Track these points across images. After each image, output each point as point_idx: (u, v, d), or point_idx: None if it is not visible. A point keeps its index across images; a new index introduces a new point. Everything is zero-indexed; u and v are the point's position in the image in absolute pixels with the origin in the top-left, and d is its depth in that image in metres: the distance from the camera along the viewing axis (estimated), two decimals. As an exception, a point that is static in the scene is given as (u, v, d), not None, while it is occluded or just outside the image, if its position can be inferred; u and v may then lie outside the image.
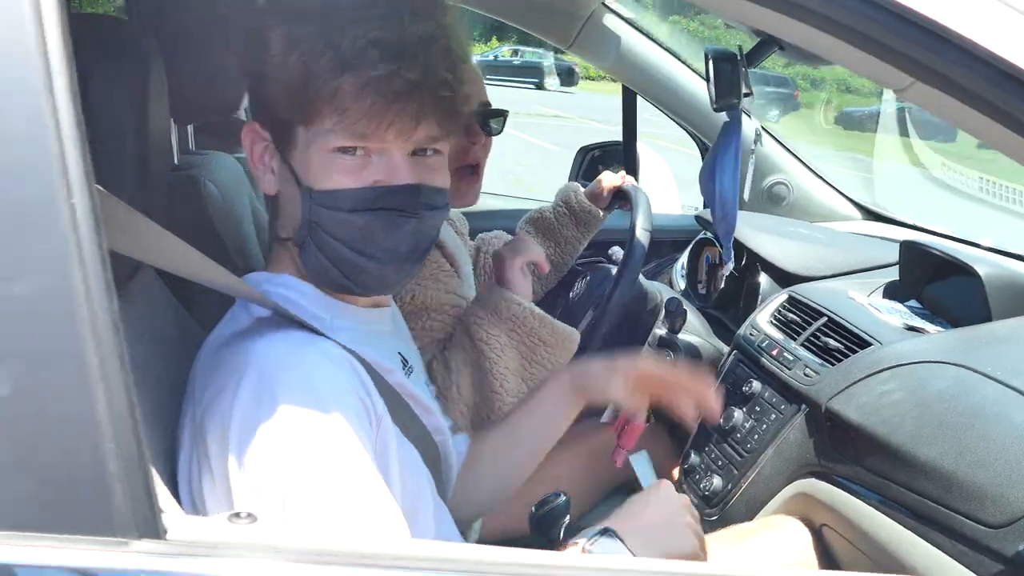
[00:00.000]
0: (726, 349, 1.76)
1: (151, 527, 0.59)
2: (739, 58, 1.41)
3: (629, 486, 1.80)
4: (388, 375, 0.98)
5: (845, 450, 1.33)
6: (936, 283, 1.59)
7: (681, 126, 2.09)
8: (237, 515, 0.65)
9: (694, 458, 1.62)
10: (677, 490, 1.65)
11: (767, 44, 1.39)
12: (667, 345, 1.74)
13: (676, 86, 2.00)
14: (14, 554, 0.57)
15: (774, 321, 1.65)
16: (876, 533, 1.25)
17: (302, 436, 0.81)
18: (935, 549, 1.15)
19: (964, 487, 1.12)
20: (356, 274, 0.94)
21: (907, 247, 1.63)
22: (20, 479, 0.57)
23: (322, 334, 0.89)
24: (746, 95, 1.43)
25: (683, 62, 2.01)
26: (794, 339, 1.56)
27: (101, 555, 0.58)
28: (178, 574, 0.59)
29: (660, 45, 1.98)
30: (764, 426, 1.49)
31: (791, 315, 1.62)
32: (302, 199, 0.91)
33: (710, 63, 1.46)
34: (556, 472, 1.66)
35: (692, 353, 1.77)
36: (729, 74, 1.41)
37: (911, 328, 1.46)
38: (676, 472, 1.78)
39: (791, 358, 1.51)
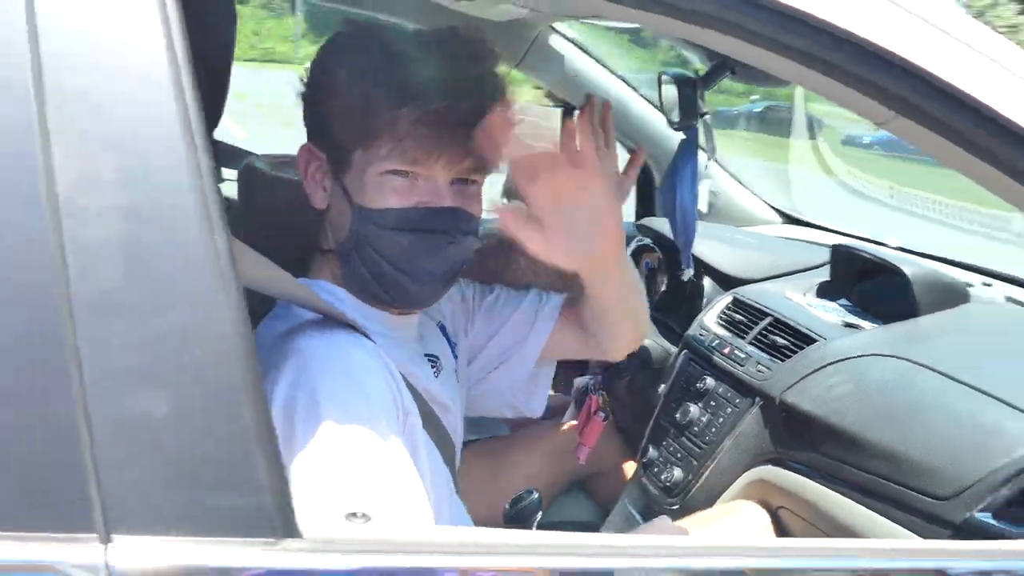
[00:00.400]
0: (673, 349, 1.90)
1: (292, 527, 0.66)
2: (696, 81, 1.55)
3: (587, 481, 1.92)
4: (416, 380, 1.07)
5: (800, 438, 1.48)
6: (864, 283, 1.77)
7: (620, 141, 2.22)
8: (353, 515, 0.73)
9: (652, 452, 1.75)
10: (636, 483, 1.78)
11: (720, 69, 1.54)
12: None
13: (618, 104, 2.14)
14: (180, 556, 0.64)
15: (721, 322, 1.80)
16: (832, 511, 1.41)
17: (345, 419, 0.88)
18: (889, 521, 1.30)
19: (913, 465, 1.28)
20: (393, 288, 1.03)
21: (837, 250, 1.81)
22: (183, 489, 0.64)
23: (365, 334, 0.98)
24: (703, 115, 1.57)
25: (626, 83, 2.15)
26: (742, 338, 1.71)
27: (254, 555, 0.65)
28: (318, 570, 0.67)
29: (604, 66, 2.11)
30: (720, 419, 1.63)
31: (737, 316, 1.77)
32: (352, 216, 1.00)
33: (667, 86, 1.59)
34: (525, 471, 1.77)
35: (642, 354, 1.91)
36: (685, 96, 1.55)
37: (848, 325, 1.63)
38: (627, 467, 1.92)
39: (742, 355, 1.66)
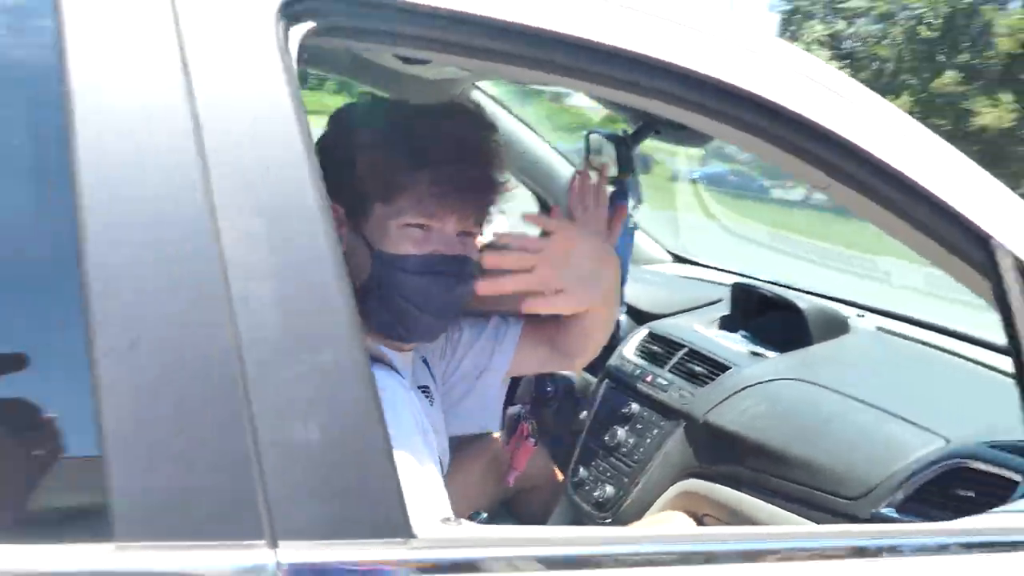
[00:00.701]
0: (593, 380, 2.11)
1: (410, 530, 0.81)
2: (626, 139, 1.77)
3: (513, 501, 2.09)
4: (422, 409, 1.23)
5: (722, 453, 1.71)
6: (760, 316, 2.03)
7: (535, 192, 2.41)
8: (447, 519, 0.88)
9: (583, 472, 1.95)
10: (567, 501, 1.96)
11: (646, 128, 1.76)
12: (546, 376, 2.06)
13: (534, 157, 2.34)
14: (332, 555, 0.77)
15: (639, 353, 2.02)
16: (753, 515, 1.63)
17: (405, 445, 1.03)
18: (805, 520, 1.54)
19: (825, 472, 1.52)
20: (412, 323, 1.19)
21: (736, 287, 2.07)
22: (333, 501, 0.78)
23: (396, 370, 1.13)
24: (632, 172, 1.79)
25: (542, 138, 2.36)
26: (661, 367, 1.93)
27: (387, 552, 0.79)
28: (437, 560, 0.81)
29: (521, 121, 2.31)
30: (648, 440, 1.84)
31: (654, 347, 1.99)
32: (373, 261, 1.15)
33: (599, 143, 1.80)
34: (461, 492, 1.92)
35: (567, 384, 2.10)
36: (620, 153, 1.77)
37: (754, 353, 1.88)
38: (551, 487, 2.10)
39: (664, 382, 1.88)
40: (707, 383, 1.81)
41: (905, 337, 1.94)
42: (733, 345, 1.92)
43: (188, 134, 0.77)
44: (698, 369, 1.85)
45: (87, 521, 0.74)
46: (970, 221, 1.08)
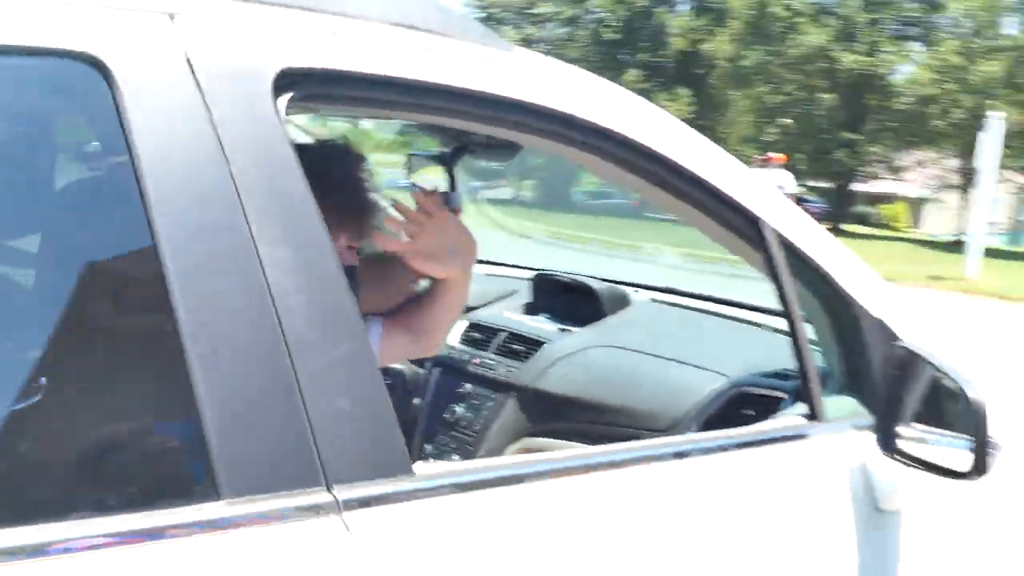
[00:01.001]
0: (421, 370, 2.40)
1: (408, 467, 1.08)
2: (443, 158, 2.08)
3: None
4: None
5: (552, 413, 2.07)
6: (558, 299, 2.42)
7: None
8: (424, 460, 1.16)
9: (428, 448, 2.24)
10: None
11: (461, 149, 2.08)
12: (385, 372, 2.33)
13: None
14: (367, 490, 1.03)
15: (464, 341, 2.34)
16: (583, 459, 2.00)
17: None
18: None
19: (640, 414, 1.93)
20: None
21: (538, 277, 2.45)
22: (362, 451, 1.04)
23: None
24: (453, 187, 2.11)
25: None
26: (485, 350, 2.27)
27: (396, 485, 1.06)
28: (437, 486, 1.09)
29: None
30: (484, 412, 2.17)
31: (475, 334, 2.33)
32: None
33: (420, 162, 2.10)
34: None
35: (399, 376, 2.38)
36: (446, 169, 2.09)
37: (562, 329, 2.26)
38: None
39: (491, 362, 2.22)
40: (528, 358, 2.17)
41: (673, 304, 2.40)
42: (543, 325, 2.29)
43: (229, 182, 0.99)
44: (518, 348, 2.21)
45: (201, 485, 0.94)
46: (743, 206, 1.49)
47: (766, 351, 1.95)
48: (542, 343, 2.18)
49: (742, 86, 34.83)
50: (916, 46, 34.76)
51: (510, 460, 1.23)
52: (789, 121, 32.74)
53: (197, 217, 0.97)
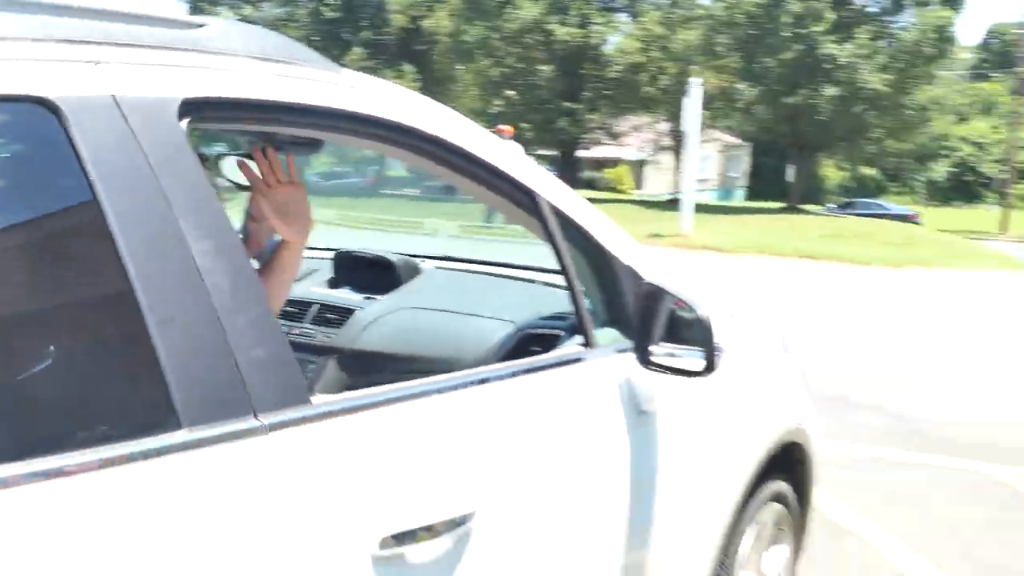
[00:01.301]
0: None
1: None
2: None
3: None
4: None
5: (372, 370, 2.43)
6: (357, 272, 2.77)
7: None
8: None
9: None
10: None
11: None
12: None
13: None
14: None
15: (279, 316, 2.64)
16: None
17: None
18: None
19: (449, 360, 2.33)
20: None
21: (339, 255, 2.78)
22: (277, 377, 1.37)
23: None
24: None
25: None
26: (300, 322, 2.59)
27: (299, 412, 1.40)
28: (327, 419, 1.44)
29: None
30: (309, 375, 2.50)
31: (288, 308, 2.63)
32: None
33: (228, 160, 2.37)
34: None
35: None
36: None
37: (368, 297, 2.62)
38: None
39: (309, 331, 2.54)
40: (342, 325, 2.51)
41: (458, 270, 2.83)
42: (349, 296, 2.65)
43: (159, 190, 1.29)
44: (331, 316, 2.55)
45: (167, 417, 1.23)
46: (522, 183, 1.92)
47: (544, 301, 2.42)
48: (352, 311, 2.54)
49: (465, 60, 35.91)
50: (623, 17, 37.17)
51: (377, 390, 1.57)
52: (512, 93, 34.16)
53: (143, 216, 1.26)
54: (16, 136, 1.28)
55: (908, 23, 33.25)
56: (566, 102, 34.17)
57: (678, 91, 22.26)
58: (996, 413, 6.21)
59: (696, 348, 1.92)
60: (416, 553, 1.43)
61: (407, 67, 35.86)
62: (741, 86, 33.54)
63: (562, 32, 33.06)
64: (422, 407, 1.58)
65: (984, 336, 9.93)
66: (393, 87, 1.76)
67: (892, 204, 42.72)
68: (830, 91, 31.37)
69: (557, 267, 1.97)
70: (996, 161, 52.44)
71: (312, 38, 34.23)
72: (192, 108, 1.38)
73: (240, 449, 1.28)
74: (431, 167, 1.89)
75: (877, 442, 5.43)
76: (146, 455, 1.18)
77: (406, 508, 1.43)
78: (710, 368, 1.91)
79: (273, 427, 1.32)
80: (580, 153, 37.25)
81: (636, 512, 1.97)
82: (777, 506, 2.67)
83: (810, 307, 10.63)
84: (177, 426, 1.22)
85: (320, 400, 1.46)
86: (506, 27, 33.34)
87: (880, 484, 4.66)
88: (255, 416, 1.30)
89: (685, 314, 1.94)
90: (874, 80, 31.15)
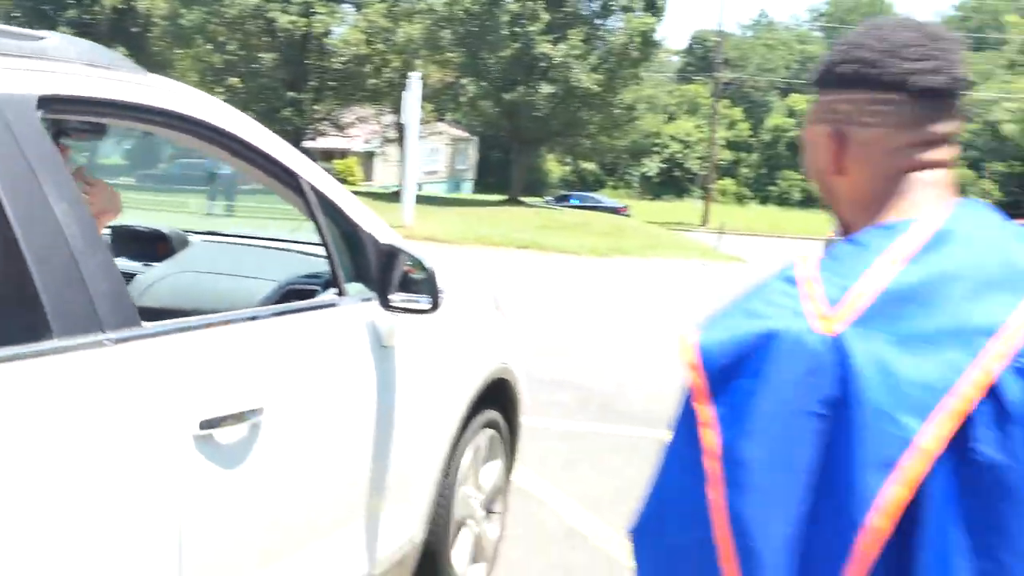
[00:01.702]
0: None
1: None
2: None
3: None
4: None
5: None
6: (129, 245, 3.20)
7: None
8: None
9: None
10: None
11: (59, 134, 2.76)
12: None
13: None
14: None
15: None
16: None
17: None
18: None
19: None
20: None
21: (116, 229, 3.19)
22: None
23: None
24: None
25: None
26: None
27: (136, 332, 1.92)
28: (157, 336, 1.97)
29: None
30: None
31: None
32: None
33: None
34: None
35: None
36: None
37: (146, 264, 3.06)
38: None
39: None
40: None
41: (225, 242, 3.33)
42: (128, 263, 3.07)
43: (29, 168, 1.75)
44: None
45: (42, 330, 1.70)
46: (284, 164, 2.49)
47: (300, 265, 2.99)
48: (133, 275, 2.97)
49: (183, 45, 34.77)
50: (348, 8, 37.32)
51: (184, 320, 2.07)
52: (236, 80, 33.51)
53: (21, 185, 1.73)
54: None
55: (616, 27, 35.83)
56: (291, 92, 33.98)
57: (402, 84, 23.03)
58: (666, 385, 6.64)
59: (424, 295, 2.57)
60: (223, 435, 1.97)
61: (121, 49, 34.21)
62: (465, 81, 34.98)
63: (284, 20, 32.80)
64: (216, 333, 2.12)
65: (667, 317, 11.25)
66: (186, 87, 2.28)
67: (605, 197, 45.95)
68: (546, 88, 33.34)
69: (314, 239, 2.56)
70: (700, 158, 57.42)
71: (13, 15, 31.91)
72: (46, 103, 1.84)
73: (93, 356, 1.74)
74: (217, 152, 2.42)
75: (566, 415, 6.09)
76: (29, 355, 1.64)
77: (213, 402, 1.95)
78: (435, 307, 2.57)
79: (118, 341, 1.82)
80: (308, 144, 37.15)
81: (380, 427, 2.59)
82: (490, 431, 3.39)
83: (517, 293, 11.28)
84: (51, 337, 1.69)
85: (147, 325, 1.97)
86: (225, 12, 32.67)
87: (563, 452, 5.25)
88: (103, 332, 1.79)
89: (416, 275, 2.59)
90: (586, 79, 33.40)
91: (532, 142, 35.50)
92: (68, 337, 1.71)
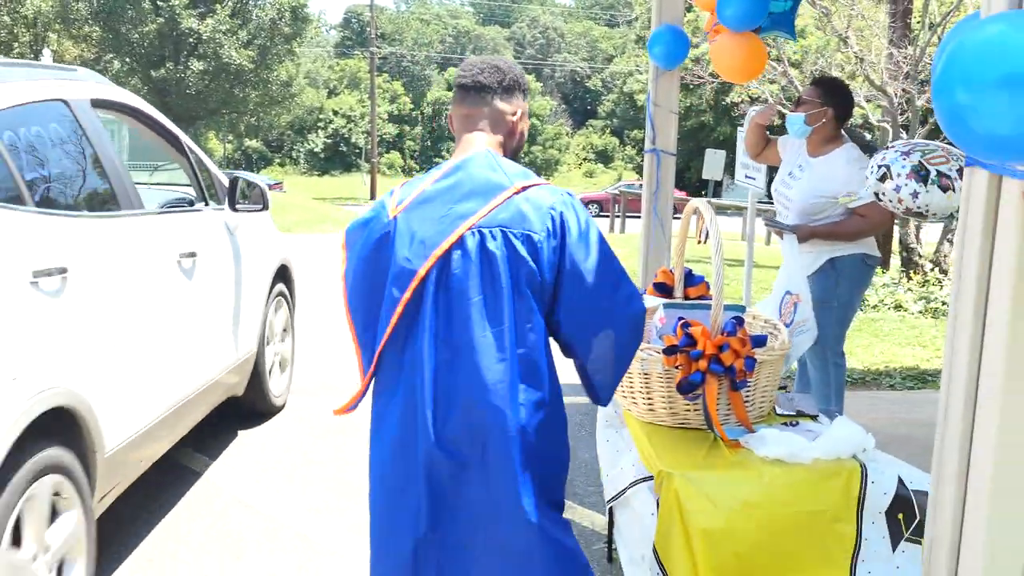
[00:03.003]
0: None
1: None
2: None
3: None
4: None
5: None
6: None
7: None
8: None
9: None
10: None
11: None
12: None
13: None
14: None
15: None
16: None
17: None
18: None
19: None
20: None
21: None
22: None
23: None
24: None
25: None
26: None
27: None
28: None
29: None
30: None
31: None
32: None
33: None
34: None
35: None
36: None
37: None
38: None
39: None
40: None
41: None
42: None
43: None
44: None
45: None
46: (174, 134, 4.72)
47: (176, 196, 5.16)
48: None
49: None
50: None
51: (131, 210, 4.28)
52: None
53: (87, 149, 3.93)
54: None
55: (265, 2, 36.27)
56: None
57: (33, 57, 23.06)
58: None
59: (258, 204, 4.98)
60: (188, 263, 4.28)
61: None
62: (109, 57, 34.89)
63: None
64: (164, 218, 4.33)
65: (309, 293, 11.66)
66: (103, 79, 4.41)
67: (263, 176, 46.71)
68: (197, 65, 33.73)
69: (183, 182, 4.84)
70: (365, 132, 58.16)
71: None
72: (96, 103, 4.02)
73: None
74: (140, 129, 4.62)
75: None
76: None
77: (174, 247, 4.28)
78: (266, 207, 5.00)
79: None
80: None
81: (236, 279, 4.84)
82: (284, 291, 5.76)
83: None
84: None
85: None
86: None
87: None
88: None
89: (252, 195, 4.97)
90: (237, 56, 34.02)
91: (187, 120, 35.87)
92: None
